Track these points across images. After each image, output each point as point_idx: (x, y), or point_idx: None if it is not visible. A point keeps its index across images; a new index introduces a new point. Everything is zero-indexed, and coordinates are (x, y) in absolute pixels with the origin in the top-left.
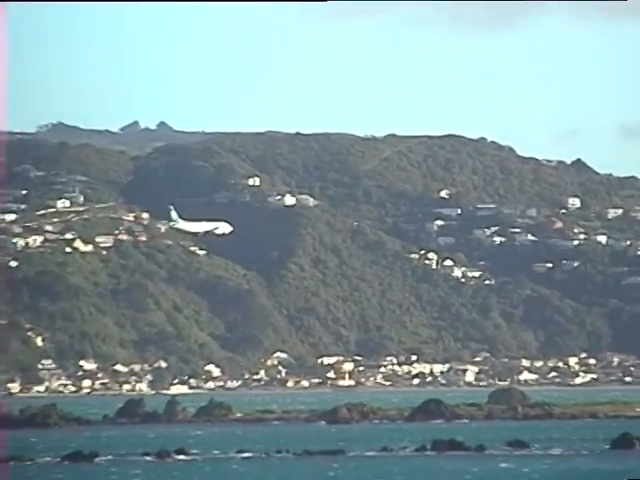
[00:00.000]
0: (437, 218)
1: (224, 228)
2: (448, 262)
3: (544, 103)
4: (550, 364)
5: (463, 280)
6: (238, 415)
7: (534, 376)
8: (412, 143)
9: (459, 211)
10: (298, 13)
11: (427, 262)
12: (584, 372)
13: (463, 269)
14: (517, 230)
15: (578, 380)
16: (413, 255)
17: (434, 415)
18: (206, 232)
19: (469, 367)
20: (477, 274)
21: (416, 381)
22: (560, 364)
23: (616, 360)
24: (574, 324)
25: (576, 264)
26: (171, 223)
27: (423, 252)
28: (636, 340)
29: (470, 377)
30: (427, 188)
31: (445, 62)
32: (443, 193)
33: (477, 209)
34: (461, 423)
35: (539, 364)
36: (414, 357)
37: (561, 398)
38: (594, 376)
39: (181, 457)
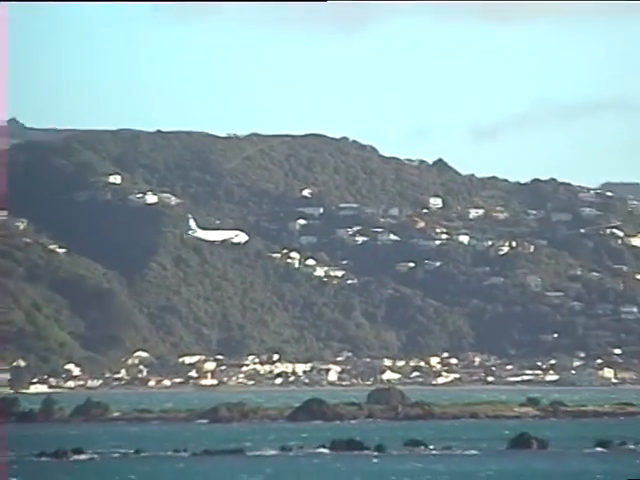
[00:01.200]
0: (299, 217)
1: (241, 237)
2: (310, 261)
3: (399, 103)
4: (412, 363)
5: (325, 279)
6: (116, 414)
7: (397, 375)
8: (274, 142)
9: (321, 210)
10: (150, 11)
11: (289, 261)
12: (446, 372)
13: (325, 268)
14: (379, 230)
15: (441, 380)
16: (275, 254)
17: (316, 415)
18: (223, 240)
19: (332, 366)
20: (339, 273)
21: (279, 380)
22: (422, 363)
23: (477, 360)
24: (436, 324)
25: (438, 264)
26: (190, 232)
27: (285, 251)
28: (497, 340)
29: (333, 376)
30: (289, 187)
31: (306, 61)
32: (305, 192)
33: (339, 208)
34: (345, 423)
35: (401, 364)
36: (276, 356)
37: (430, 397)
38: (457, 376)
39: (81, 457)
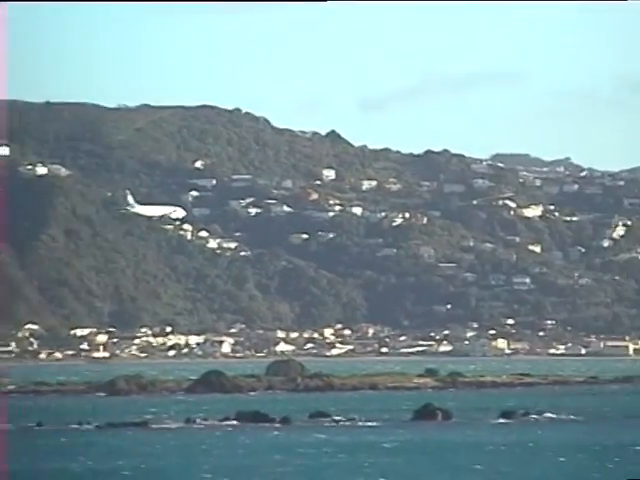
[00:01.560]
0: (192, 189)
1: (179, 213)
2: (203, 233)
3: (290, 74)
4: (306, 335)
5: (218, 251)
6: (10, 387)
7: (291, 347)
8: (166, 113)
9: (214, 182)
10: None
11: (182, 233)
12: (340, 343)
13: (218, 240)
14: (273, 201)
15: (335, 351)
16: (168, 226)
17: (215, 387)
18: (162, 216)
19: (225, 338)
20: (233, 245)
21: (172, 353)
22: (316, 335)
23: (371, 331)
24: (329, 295)
25: (331, 235)
26: (128, 207)
27: (178, 223)
28: (391, 311)
29: (226, 348)
30: (181, 159)
31: (196, 32)
32: (198, 164)
33: (232, 180)
34: (245, 395)
35: (295, 335)
36: (169, 328)
37: (325, 369)
38: (350, 347)
39: None
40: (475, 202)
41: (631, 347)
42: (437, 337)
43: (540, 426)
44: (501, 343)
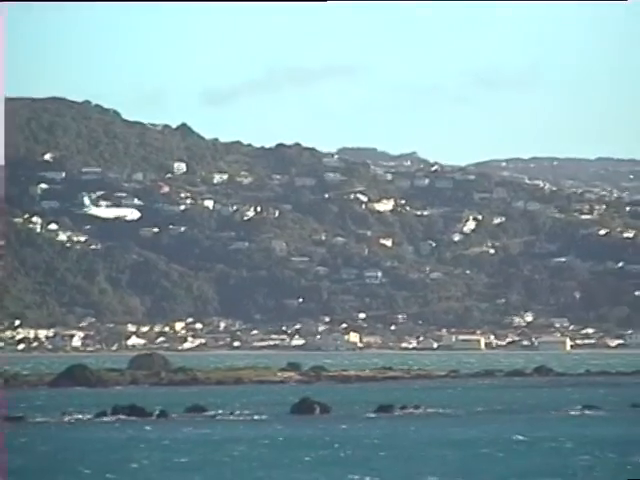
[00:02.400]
0: (41, 182)
1: (134, 214)
2: (53, 226)
3: (138, 67)
4: (157, 329)
5: (68, 245)
6: None
7: (142, 341)
8: (15, 105)
9: (63, 175)
10: None
11: (31, 226)
12: (192, 337)
13: (68, 233)
14: (123, 194)
15: (187, 345)
16: (17, 219)
17: (79, 381)
18: (116, 218)
19: (75, 332)
20: (83, 238)
21: (21, 346)
22: (167, 329)
23: (223, 325)
24: (181, 289)
25: (183, 229)
26: (84, 209)
27: (27, 216)
28: (242, 305)
29: (77, 342)
30: (30, 151)
31: (45, 24)
32: (47, 156)
33: (82, 173)
34: (110, 389)
35: (146, 329)
36: (18, 322)
37: (179, 363)
38: (202, 341)
39: None
40: (327, 196)
41: (482, 341)
42: (289, 331)
43: (416, 420)
44: (353, 337)
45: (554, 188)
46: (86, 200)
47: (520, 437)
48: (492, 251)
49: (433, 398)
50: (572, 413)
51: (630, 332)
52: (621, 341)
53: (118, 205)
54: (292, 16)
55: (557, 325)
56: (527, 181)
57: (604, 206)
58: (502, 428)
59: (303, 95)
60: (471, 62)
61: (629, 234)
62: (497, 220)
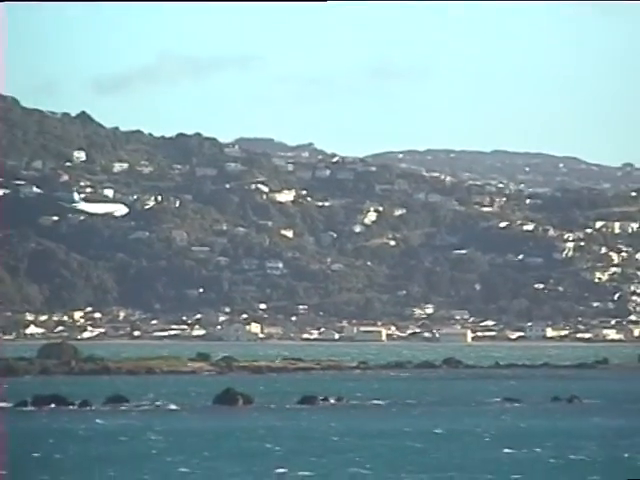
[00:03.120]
0: None
1: (122, 210)
2: None
3: (31, 54)
4: (55, 318)
5: None
6: None
7: (40, 330)
8: None
9: None
10: None
11: None
12: (91, 326)
13: None
14: (22, 182)
15: (86, 334)
16: None
17: None
18: (105, 213)
19: None
20: None
21: None
22: (66, 318)
23: (122, 314)
24: (80, 278)
25: (82, 217)
26: (73, 204)
27: None
28: (142, 295)
29: None
30: None
31: None
32: None
33: None
34: (21, 378)
35: (44, 318)
36: None
37: (85, 352)
38: (102, 330)
39: None
40: (228, 186)
41: (384, 332)
42: (189, 321)
43: (339, 411)
44: (255, 327)
45: (454, 180)
46: None
47: (439, 430)
48: (393, 243)
49: (350, 389)
50: (492, 406)
51: (530, 324)
52: (521, 333)
53: (16, 192)
54: (183, 6)
55: (457, 317)
56: (425, 173)
57: (504, 199)
58: (423, 420)
59: (197, 85)
60: (364, 54)
61: (529, 227)
62: (398, 212)
